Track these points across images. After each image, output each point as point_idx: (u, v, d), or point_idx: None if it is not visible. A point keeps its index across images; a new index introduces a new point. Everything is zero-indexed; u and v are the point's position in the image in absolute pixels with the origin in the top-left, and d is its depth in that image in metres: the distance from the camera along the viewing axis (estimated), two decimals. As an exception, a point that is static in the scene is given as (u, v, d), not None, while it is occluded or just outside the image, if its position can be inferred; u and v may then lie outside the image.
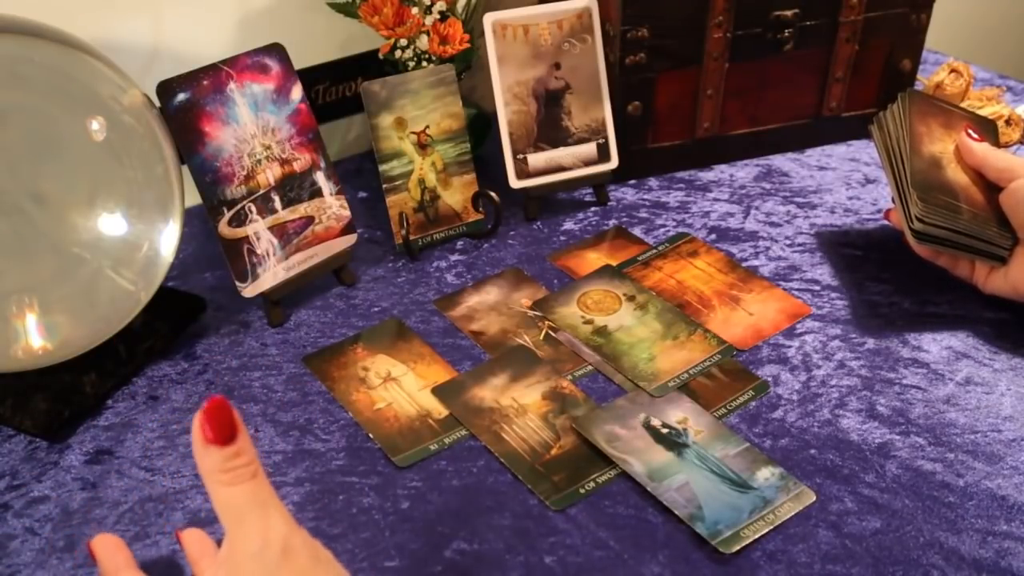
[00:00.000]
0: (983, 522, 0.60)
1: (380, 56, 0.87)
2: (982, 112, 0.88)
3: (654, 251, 0.85)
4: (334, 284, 0.82)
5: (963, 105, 0.90)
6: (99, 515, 0.62)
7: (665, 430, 0.66)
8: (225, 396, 0.42)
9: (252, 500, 0.43)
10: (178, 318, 0.77)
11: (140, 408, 0.70)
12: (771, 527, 0.59)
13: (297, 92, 0.77)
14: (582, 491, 0.62)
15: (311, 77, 0.94)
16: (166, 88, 0.71)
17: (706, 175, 0.96)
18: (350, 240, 0.81)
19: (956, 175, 0.76)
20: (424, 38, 0.85)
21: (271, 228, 0.76)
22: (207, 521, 0.61)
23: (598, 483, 0.63)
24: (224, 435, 0.42)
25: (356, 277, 0.83)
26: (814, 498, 0.61)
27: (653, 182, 0.95)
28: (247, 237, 0.75)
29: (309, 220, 0.78)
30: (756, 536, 0.59)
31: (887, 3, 0.93)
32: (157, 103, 0.71)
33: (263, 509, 0.43)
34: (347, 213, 0.80)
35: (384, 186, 0.83)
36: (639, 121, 0.92)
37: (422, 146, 0.84)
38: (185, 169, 0.72)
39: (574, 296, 0.79)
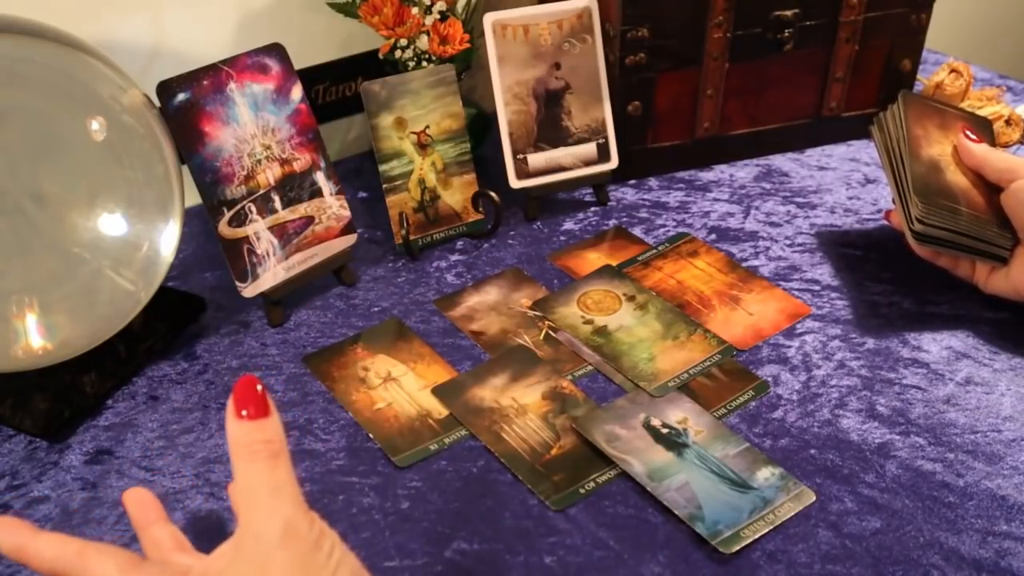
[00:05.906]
0: (983, 522, 0.60)
1: (380, 56, 0.87)
2: (982, 112, 0.88)
3: (654, 251, 0.85)
4: (334, 284, 0.82)
5: (963, 105, 0.90)
6: (99, 515, 0.62)
7: (665, 430, 0.66)
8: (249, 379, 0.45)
9: (266, 480, 0.44)
10: (178, 318, 0.77)
11: (140, 408, 0.70)
12: (771, 527, 0.59)
13: (297, 92, 0.77)
14: (582, 491, 0.62)
15: (311, 77, 0.94)
16: (166, 88, 0.71)
17: (706, 175, 0.96)
18: (350, 240, 0.81)
19: (955, 177, 0.76)
20: (424, 38, 0.85)
21: (271, 228, 0.76)
22: (207, 521, 0.61)
23: (598, 483, 0.63)
24: (251, 411, 0.44)
25: (356, 277, 0.83)
26: (814, 498, 0.61)
27: (653, 182, 0.95)
28: (247, 237, 0.75)
29: (309, 220, 0.78)
30: (756, 536, 0.59)
31: (887, 3, 0.92)
32: (157, 103, 0.71)
33: (276, 490, 0.44)
34: (347, 213, 0.80)
35: (384, 186, 0.83)
36: (639, 121, 0.92)
37: (422, 146, 0.84)
38: (185, 169, 0.72)
39: (574, 296, 0.79)
